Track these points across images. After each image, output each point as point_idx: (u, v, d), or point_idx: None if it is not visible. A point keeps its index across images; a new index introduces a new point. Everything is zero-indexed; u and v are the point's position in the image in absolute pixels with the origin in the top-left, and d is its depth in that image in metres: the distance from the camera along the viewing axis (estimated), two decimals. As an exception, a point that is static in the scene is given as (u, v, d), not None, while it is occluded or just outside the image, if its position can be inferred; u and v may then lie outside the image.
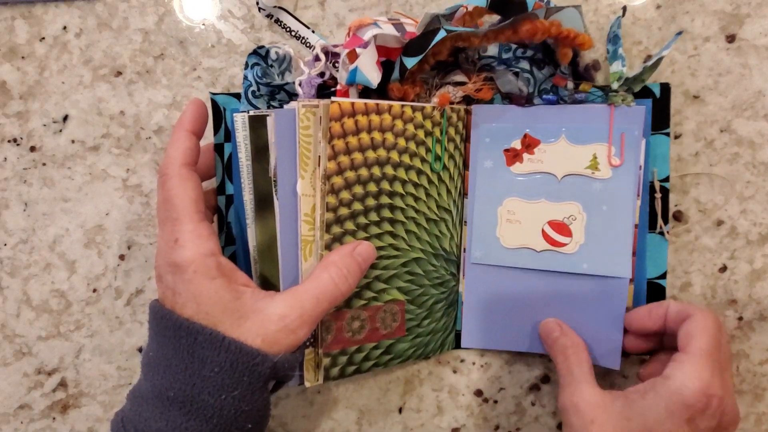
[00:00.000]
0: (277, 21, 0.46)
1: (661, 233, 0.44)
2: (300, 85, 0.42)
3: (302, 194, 0.39)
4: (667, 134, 0.43)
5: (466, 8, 0.40)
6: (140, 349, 0.48)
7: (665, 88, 0.43)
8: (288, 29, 0.46)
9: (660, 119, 0.43)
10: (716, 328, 0.38)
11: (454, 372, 0.47)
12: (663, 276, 0.44)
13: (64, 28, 0.47)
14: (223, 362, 0.34)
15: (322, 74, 0.42)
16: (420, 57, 0.39)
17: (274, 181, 0.39)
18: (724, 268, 0.45)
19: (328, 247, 0.39)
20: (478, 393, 0.47)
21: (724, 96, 0.44)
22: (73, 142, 0.47)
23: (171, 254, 0.35)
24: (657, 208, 0.44)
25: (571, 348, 0.42)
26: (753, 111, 0.44)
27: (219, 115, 0.43)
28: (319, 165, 0.39)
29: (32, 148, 0.48)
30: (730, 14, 0.44)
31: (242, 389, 0.34)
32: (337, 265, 0.38)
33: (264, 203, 0.40)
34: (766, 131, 0.44)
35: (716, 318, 0.39)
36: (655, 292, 0.44)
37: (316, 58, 0.43)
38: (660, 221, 0.44)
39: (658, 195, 0.44)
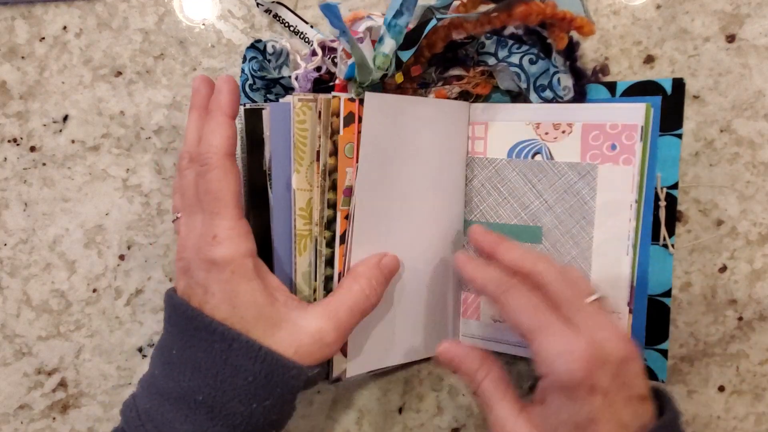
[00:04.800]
0: (276, 16, 0.46)
1: (665, 246, 0.42)
2: (296, 78, 0.42)
3: (297, 188, 0.39)
4: (679, 136, 0.41)
5: (462, 0, 0.40)
6: (140, 349, 0.48)
7: (678, 84, 0.41)
8: (287, 24, 0.46)
9: (670, 119, 0.41)
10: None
11: (454, 372, 0.47)
12: (667, 294, 0.42)
13: (64, 28, 0.47)
14: (258, 372, 0.33)
15: (318, 68, 0.43)
16: (414, 49, 0.39)
17: (269, 174, 0.39)
18: (724, 268, 0.45)
19: (329, 244, 0.39)
20: (478, 393, 0.47)
21: (724, 96, 0.44)
22: (73, 142, 0.48)
23: (208, 250, 0.34)
24: (661, 218, 0.42)
25: (479, 370, 0.38)
26: (753, 111, 0.44)
27: None
28: (318, 160, 0.39)
29: (32, 148, 0.48)
30: (730, 14, 0.44)
31: (273, 400, 0.33)
32: (366, 276, 0.38)
33: (258, 196, 0.40)
34: (766, 131, 0.44)
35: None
36: (657, 310, 0.43)
37: (313, 53, 0.43)
38: (663, 232, 0.41)
39: (663, 203, 0.42)
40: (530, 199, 0.43)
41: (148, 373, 0.36)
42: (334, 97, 0.38)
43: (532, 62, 0.42)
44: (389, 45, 0.37)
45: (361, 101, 0.38)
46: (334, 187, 0.39)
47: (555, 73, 0.42)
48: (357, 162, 0.39)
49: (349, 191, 0.39)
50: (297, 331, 0.35)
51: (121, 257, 0.48)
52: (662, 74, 0.45)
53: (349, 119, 0.38)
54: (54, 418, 0.48)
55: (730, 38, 0.44)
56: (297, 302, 0.36)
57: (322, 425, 0.48)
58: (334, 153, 0.38)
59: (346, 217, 0.39)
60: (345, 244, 0.39)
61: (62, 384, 0.48)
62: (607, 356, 0.33)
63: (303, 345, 0.34)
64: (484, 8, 0.42)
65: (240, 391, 0.33)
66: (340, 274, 0.39)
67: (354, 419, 0.48)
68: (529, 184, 0.43)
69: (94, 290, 0.48)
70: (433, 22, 0.38)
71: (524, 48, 0.42)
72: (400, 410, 0.48)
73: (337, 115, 0.38)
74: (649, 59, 0.45)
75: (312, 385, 0.36)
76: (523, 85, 0.42)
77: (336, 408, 0.48)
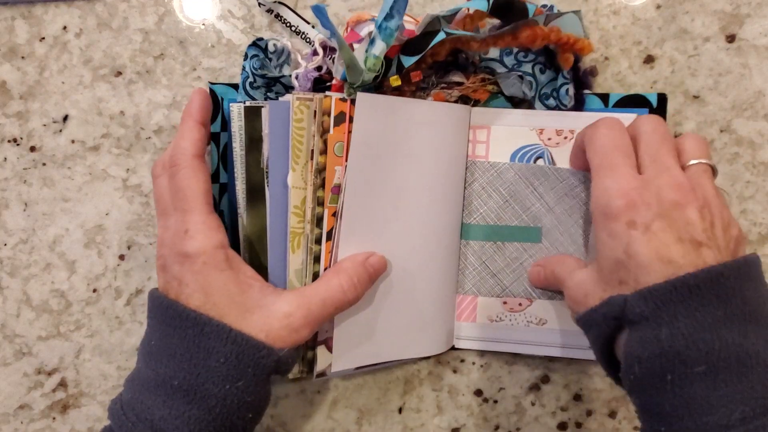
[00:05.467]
0: (277, 16, 0.46)
1: None
2: (296, 78, 0.43)
3: (292, 186, 0.39)
4: None
5: (468, 10, 0.40)
6: (140, 349, 0.48)
7: (662, 98, 0.44)
8: (288, 24, 0.46)
9: None
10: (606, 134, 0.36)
11: (454, 372, 0.47)
12: None
13: (64, 28, 0.47)
14: (229, 354, 0.34)
15: (319, 68, 0.43)
16: (418, 57, 0.39)
17: (266, 172, 0.40)
18: (724, 268, 0.45)
19: (318, 241, 0.39)
20: (478, 393, 0.47)
21: (724, 96, 0.44)
22: (73, 142, 0.48)
23: (180, 244, 0.36)
24: None
25: (552, 267, 0.42)
26: (753, 111, 0.44)
27: (217, 105, 0.43)
28: (312, 158, 0.39)
29: (32, 148, 0.48)
30: (730, 14, 0.44)
31: (246, 380, 0.34)
32: (348, 272, 0.38)
33: (255, 194, 0.40)
34: (766, 131, 0.44)
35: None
36: None
37: (314, 52, 0.43)
38: None
39: None
40: (531, 202, 0.44)
41: (133, 370, 0.38)
42: (326, 96, 0.38)
43: (541, 71, 0.43)
44: (380, 47, 0.38)
45: (353, 101, 0.38)
46: (324, 185, 0.39)
47: (563, 83, 0.42)
48: (346, 161, 0.39)
49: (338, 189, 0.39)
50: (268, 314, 0.36)
51: (121, 257, 0.48)
52: (662, 74, 0.45)
53: (340, 119, 0.39)
54: (54, 418, 0.48)
55: (730, 38, 0.44)
56: (272, 289, 0.37)
57: (322, 425, 0.48)
58: (325, 151, 0.39)
59: (334, 215, 0.39)
60: (332, 241, 0.40)
61: (62, 384, 0.48)
62: (657, 197, 0.33)
63: (273, 329, 0.35)
64: (488, 22, 0.43)
65: (213, 373, 0.34)
66: (326, 270, 0.40)
67: (354, 419, 0.48)
68: (531, 186, 0.44)
69: (94, 290, 0.48)
70: (442, 35, 0.38)
71: (531, 56, 0.43)
72: (400, 410, 0.48)
73: (329, 114, 0.38)
74: (649, 59, 0.45)
75: (286, 370, 0.37)
76: (531, 93, 0.43)
77: (336, 408, 0.48)
